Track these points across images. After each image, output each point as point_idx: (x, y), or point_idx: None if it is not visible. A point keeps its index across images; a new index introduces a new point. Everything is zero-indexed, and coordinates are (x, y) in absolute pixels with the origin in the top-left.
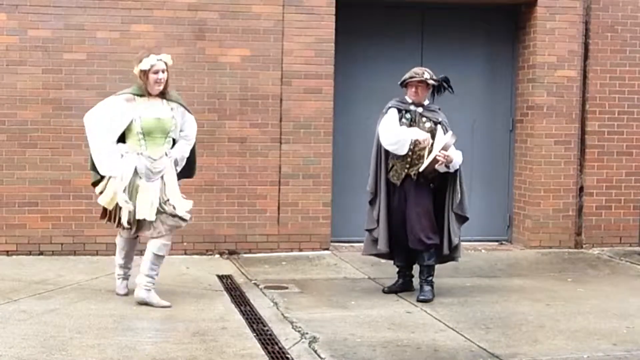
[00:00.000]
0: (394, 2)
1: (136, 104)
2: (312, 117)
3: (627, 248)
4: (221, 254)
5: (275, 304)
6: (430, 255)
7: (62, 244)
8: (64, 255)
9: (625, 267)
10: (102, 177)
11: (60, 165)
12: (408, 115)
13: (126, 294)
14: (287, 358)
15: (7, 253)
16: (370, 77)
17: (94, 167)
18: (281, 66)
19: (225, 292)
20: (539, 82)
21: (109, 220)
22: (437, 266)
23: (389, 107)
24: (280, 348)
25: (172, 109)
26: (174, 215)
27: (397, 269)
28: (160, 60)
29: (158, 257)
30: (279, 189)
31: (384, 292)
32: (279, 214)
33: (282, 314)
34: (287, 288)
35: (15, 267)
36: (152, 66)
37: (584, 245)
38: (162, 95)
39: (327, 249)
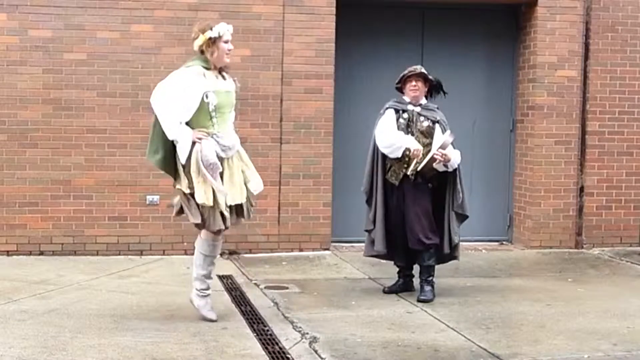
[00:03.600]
0: (394, 2)
1: (206, 78)
2: (312, 117)
3: (628, 248)
4: (221, 254)
5: (276, 304)
6: (430, 256)
7: (62, 244)
8: (64, 255)
9: (625, 267)
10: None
11: (61, 165)
12: (405, 115)
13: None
14: (288, 358)
15: (8, 253)
16: (371, 77)
17: (157, 154)
18: (281, 66)
19: (225, 292)
20: (540, 82)
21: (203, 224)
22: (437, 266)
23: (387, 108)
24: (280, 348)
25: (234, 80)
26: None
27: (397, 269)
28: (228, 30)
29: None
30: (280, 189)
31: (385, 292)
32: (279, 214)
33: (283, 314)
34: (287, 288)
35: (15, 267)
36: (222, 34)
37: (584, 246)
38: (220, 68)
39: (328, 249)
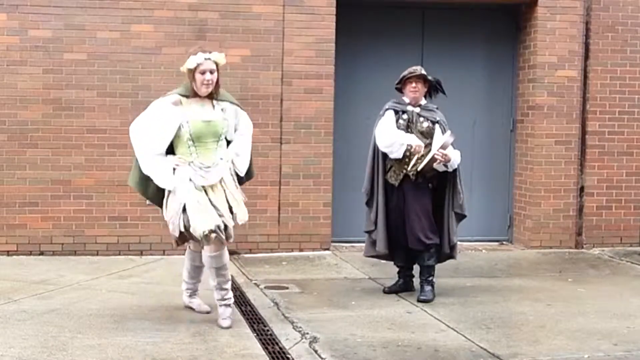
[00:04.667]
0: (394, 2)
1: (184, 107)
2: (312, 117)
3: (628, 248)
4: None
5: (276, 304)
6: (430, 256)
7: (62, 244)
8: (64, 255)
9: (625, 267)
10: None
11: (61, 165)
12: (405, 116)
13: (209, 312)
14: (288, 358)
15: (8, 253)
16: (371, 77)
17: (142, 182)
18: (282, 66)
19: None
20: (540, 82)
21: (187, 239)
22: (437, 266)
23: (386, 109)
24: (280, 348)
25: (222, 109)
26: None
27: (397, 269)
28: (209, 59)
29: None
30: (280, 189)
31: (385, 292)
32: (279, 214)
33: (283, 314)
34: (287, 288)
35: (15, 267)
36: (198, 65)
37: (584, 246)
38: (212, 95)
39: (328, 249)
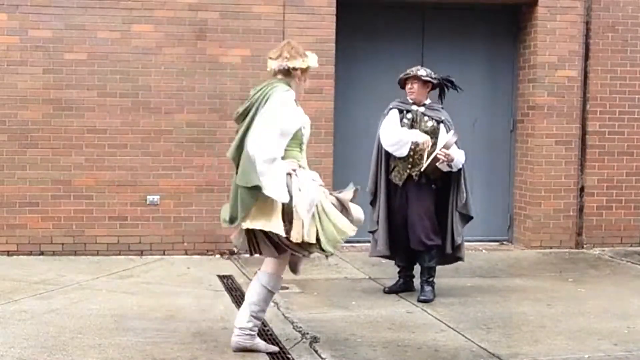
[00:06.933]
0: (395, 2)
1: (297, 106)
2: (312, 117)
3: (628, 248)
4: (222, 254)
5: (276, 304)
6: (431, 257)
7: (62, 244)
8: (64, 255)
9: (626, 268)
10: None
11: (61, 165)
12: (409, 116)
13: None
14: (288, 358)
15: (8, 253)
16: (371, 77)
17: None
18: None
19: (226, 292)
20: (540, 82)
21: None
22: (438, 266)
23: (390, 108)
24: (281, 348)
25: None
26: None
27: (397, 269)
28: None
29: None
30: None
31: (385, 292)
32: None
33: (283, 314)
34: (287, 288)
35: (16, 267)
36: (310, 68)
37: (584, 246)
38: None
39: None
